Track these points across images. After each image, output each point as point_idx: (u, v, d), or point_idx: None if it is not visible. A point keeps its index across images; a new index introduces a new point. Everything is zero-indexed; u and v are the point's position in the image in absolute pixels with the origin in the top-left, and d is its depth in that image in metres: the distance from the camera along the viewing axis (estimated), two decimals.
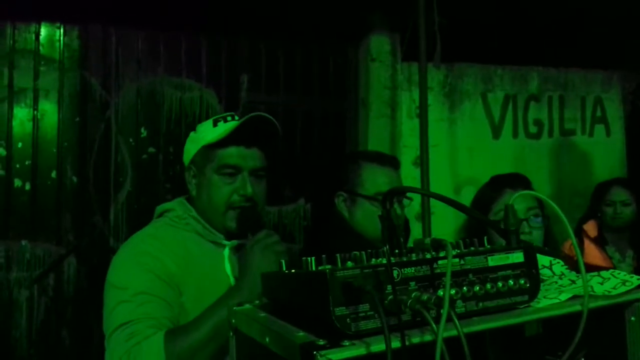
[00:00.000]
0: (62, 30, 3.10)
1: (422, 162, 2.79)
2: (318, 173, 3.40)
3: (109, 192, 3.13)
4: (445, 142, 3.57)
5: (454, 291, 0.92)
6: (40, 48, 3.06)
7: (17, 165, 3.00)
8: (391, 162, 2.12)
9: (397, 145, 3.48)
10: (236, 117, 1.75)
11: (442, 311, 0.83)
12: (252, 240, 1.62)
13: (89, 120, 3.11)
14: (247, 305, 1.15)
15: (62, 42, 3.10)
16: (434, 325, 0.81)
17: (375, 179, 2.04)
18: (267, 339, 0.98)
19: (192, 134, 1.80)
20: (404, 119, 3.50)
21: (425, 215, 2.77)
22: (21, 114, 3.02)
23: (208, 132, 1.74)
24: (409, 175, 3.31)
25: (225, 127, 1.70)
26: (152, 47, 3.22)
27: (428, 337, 0.87)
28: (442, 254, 0.96)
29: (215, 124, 1.74)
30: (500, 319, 0.95)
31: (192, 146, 1.78)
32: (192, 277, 1.63)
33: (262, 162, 1.75)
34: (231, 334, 1.15)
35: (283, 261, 1.08)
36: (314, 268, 0.96)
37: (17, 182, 2.99)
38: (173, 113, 3.24)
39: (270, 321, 1.01)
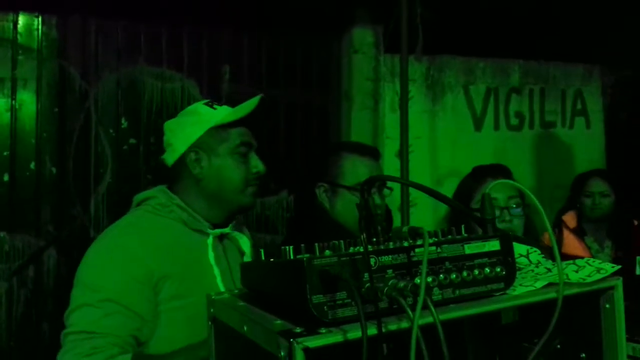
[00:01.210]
0: (40, 20, 3.06)
1: (402, 153, 2.81)
2: (301, 165, 3.40)
3: (89, 183, 3.10)
4: (428, 134, 3.59)
5: (430, 279, 0.93)
6: (18, 37, 3.02)
7: None
8: (372, 152, 2.13)
9: (380, 137, 3.49)
10: (216, 105, 1.76)
11: (418, 298, 0.84)
12: None
13: (68, 111, 3.08)
14: (226, 294, 1.14)
15: (40, 31, 3.06)
16: (409, 312, 0.82)
17: (355, 170, 2.04)
18: (245, 328, 0.98)
19: (188, 118, 1.75)
20: (386, 111, 3.51)
21: (404, 206, 2.79)
22: None
23: (213, 114, 1.72)
24: (392, 167, 3.32)
25: (236, 109, 1.71)
26: (132, 37, 3.19)
27: (405, 324, 0.87)
28: (419, 242, 0.96)
29: (212, 106, 1.74)
30: (476, 306, 0.96)
31: (194, 129, 1.71)
32: (175, 267, 1.57)
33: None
34: (210, 323, 1.14)
35: (262, 250, 1.08)
36: (292, 257, 0.96)
37: None
38: (154, 104, 3.22)
39: (248, 310, 1.01)
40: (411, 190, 3.02)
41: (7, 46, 3.00)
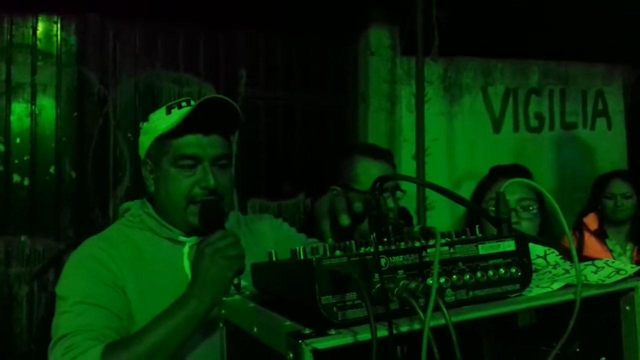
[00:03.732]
0: (59, 25, 3.09)
1: (419, 155, 2.78)
2: (317, 168, 3.39)
3: (107, 187, 3.13)
4: (445, 136, 3.56)
5: (443, 280, 0.91)
6: (38, 43, 3.06)
7: (16, 161, 3.00)
8: (385, 155, 2.10)
9: (397, 140, 3.47)
10: (192, 102, 1.57)
11: (429, 299, 0.82)
12: (204, 243, 1.45)
13: (87, 115, 3.11)
14: (237, 296, 1.13)
15: (59, 36, 3.09)
16: (421, 314, 0.80)
17: (369, 174, 2.01)
18: (255, 329, 0.97)
19: (144, 124, 1.65)
20: (403, 113, 3.49)
21: (420, 207, 2.76)
22: (19, 110, 3.02)
23: (161, 121, 1.57)
24: (409, 170, 3.29)
25: (179, 114, 1.53)
26: (149, 41, 3.21)
27: (416, 326, 0.85)
28: (431, 242, 0.95)
29: (168, 112, 1.58)
30: (490, 307, 0.93)
31: (145, 138, 1.63)
32: (142, 278, 1.51)
33: (224, 149, 1.59)
34: (221, 324, 1.14)
35: (273, 251, 1.07)
36: (302, 257, 0.95)
37: (16, 178, 2.99)
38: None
39: (258, 311, 1.00)
40: (428, 193, 2.99)
41: (26, 52, 3.04)
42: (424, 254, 0.92)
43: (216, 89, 3.28)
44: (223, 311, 1.12)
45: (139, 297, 1.50)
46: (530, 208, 2.07)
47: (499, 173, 2.21)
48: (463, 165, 3.56)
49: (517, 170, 2.21)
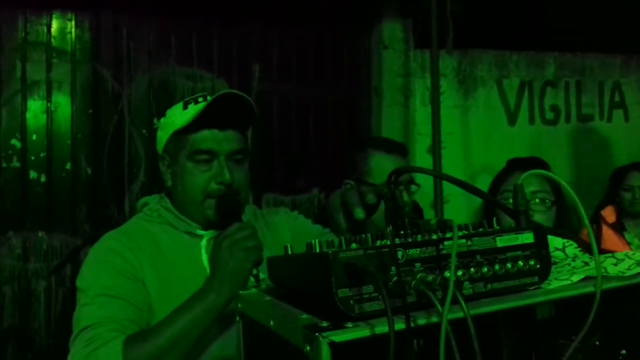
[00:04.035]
0: (73, 22, 3.11)
1: (434, 148, 2.77)
2: (331, 162, 3.39)
3: (123, 182, 3.15)
4: (460, 129, 3.54)
5: (460, 272, 0.90)
6: (52, 40, 3.08)
7: (32, 157, 3.03)
8: (399, 149, 2.10)
9: (411, 133, 3.45)
10: (208, 98, 1.57)
11: (447, 292, 0.81)
12: (221, 235, 1.46)
13: (102, 112, 3.13)
14: (253, 290, 1.13)
15: (73, 34, 3.11)
16: (438, 306, 0.79)
17: (382, 167, 2.01)
18: (271, 323, 0.97)
19: (161, 120, 1.66)
20: (417, 107, 3.48)
21: (437, 201, 2.75)
22: (35, 107, 3.05)
23: (178, 117, 1.58)
24: (424, 164, 3.29)
25: (195, 109, 1.54)
26: (163, 37, 3.23)
27: (434, 319, 0.85)
28: (448, 235, 0.94)
29: (185, 107, 1.60)
30: (509, 300, 0.92)
31: (162, 133, 1.64)
32: (161, 271, 1.53)
33: (240, 144, 1.60)
34: (237, 318, 1.14)
35: (288, 245, 1.07)
36: (318, 250, 0.95)
37: (33, 174, 3.02)
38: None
39: (274, 305, 1.00)
40: (444, 185, 2.98)
41: (41, 49, 3.06)
42: (441, 246, 0.91)
43: (230, 84, 3.29)
44: (239, 305, 1.13)
45: (158, 289, 1.51)
46: (546, 201, 2.05)
47: (516, 166, 2.19)
48: (478, 158, 3.53)
49: (534, 163, 2.19)
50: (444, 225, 0.94)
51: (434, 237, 0.93)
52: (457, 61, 3.56)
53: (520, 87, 3.72)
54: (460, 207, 3.23)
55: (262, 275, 1.39)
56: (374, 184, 1.99)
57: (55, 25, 3.09)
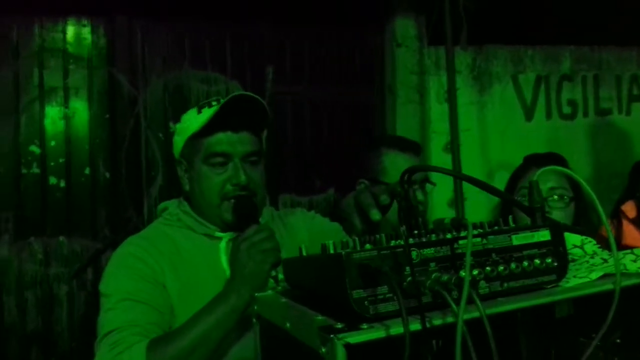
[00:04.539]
0: (89, 28, 3.14)
1: (453, 146, 2.74)
2: (346, 162, 3.37)
3: (141, 186, 3.17)
4: (476, 126, 3.50)
5: (476, 271, 0.90)
6: (68, 47, 3.11)
7: (52, 163, 3.06)
8: (413, 147, 2.09)
9: (427, 132, 3.43)
10: (221, 101, 1.60)
11: (462, 292, 0.81)
12: (240, 238, 1.49)
13: (119, 117, 3.15)
14: (269, 292, 1.14)
15: (89, 39, 3.14)
16: (454, 306, 0.79)
17: (396, 166, 2.00)
18: (287, 324, 0.98)
19: (177, 125, 1.70)
20: (432, 105, 3.45)
21: (458, 199, 2.72)
22: (52, 113, 3.08)
23: (192, 121, 1.61)
24: (440, 162, 3.25)
25: (208, 113, 1.57)
26: (176, 41, 3.24)
27: (450, 319, 0.84)
28: (463, 234, 0.93)
29: (199, 111, 1.62)
30: (526, 299, 0.92)
31: (178, 138, 1.68)
32: (181, 274, 1.56)
33: (254, 146, 1.63)
34: (254, 320, 1.15)
35: (302, 246, 1.07)
36: (332, 252, 0.95)
37: (52, 180, 3.05)
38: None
39: (290, 306, 1.01)
40: (463, 183, 2.95)
41: (58, 56, 3.09)
42: (455, 245, 0.90)
43: (243, 86, 3.29)
44: (256, 307, 1.13)
45: (179, 292, 1.54)
46: (564, 197, 2.02)
47: (533, 162, 2.16)
48: (495, 155, 3.49)
49: (551, 159, 2.17)
50: (458, 224, 0.94)
51: (448, 236, 0.93)
52: (471, 57, 3.52)
53: (536, 82, 3.67)
54: (479, 205, 3.19)
55: (280, 276, 1.40)
56: (387, 183, 1.98)
57: (70, 31, 3.12)
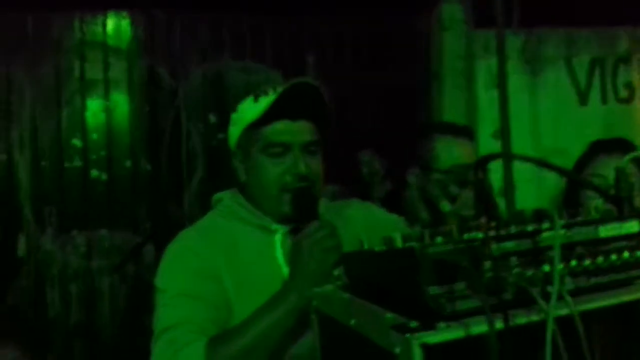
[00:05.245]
0: (128, 21, 3.14)
1: (504, 132, 2.65)
2: (391, 150, 3.30)
3: (182, 178, 3.16)
4: (527, 112, 3.40)
5: (561, 266, 0.83)
6: (108, 39, 3.11)
7: (94, 157, 3.07)
8: (466, 132, 1.99)
9: (475, 118, 3.34)
10: (278, 89, 1.53)
11: (551, 288, 0.74)
12: (300, 235, 1.44)
13: (159, 109, 3.15)
14: (329, 287, 1.09)
15: (128, 32, 3.14)
16: (543, 304, 0.72)
17: (450, 152, 1.91)
18: (352, 321, 0.93)
19: (233, 115, 1.64)
20: (480, 90, 3.36)
21: (508, 189, 2.63)
22: (93, 106, 3.09)
23: (249, 110, 1.55)
24: (489, 149, 3.14)
25: (266, 102, 1.50)
26: (215, 32, 3.21)
27: (535, 318, 0.78)
28: (544, 226, 0.86)
29: (256, 99, 1.56)
30: (614, 295, 0.86)
31: (234, 129, 1.62)
32: (237, 268, 1.52)
33: (314, 135, 1.56)
34: (313, 315, 1.11)
35: (364, 239, 1.01)
36: (399, 245, 0.89)
37: (94, 173, 3.06)
38: (240, 97, 3.22)
39: (354, 302, 0.96)
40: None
41: (98, 49, 3.10)
42: (538, 238, 0.83)
43: (284, 75, 3.24)
44: (314, 302, 1.09)
45: (234, 286, 1.50)
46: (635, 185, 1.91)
47: (601, 148, 2.04)
48: (548, 142, 3.39)
49: (620, 145, 2.04)
50: (541, 215, 0.86)
51: (530, 228, 0.86)
52: (521, 40, 3.42)
53: (591, 65, 3.55)
54: (529, 194, 3.09)
55: (336, 272, 1.35)
56: (440, 170, 1.90)
57: (110, 24, 3.12)
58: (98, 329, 3.05)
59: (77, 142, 3.05)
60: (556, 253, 0.76)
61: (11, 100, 3.02)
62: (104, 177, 3.08)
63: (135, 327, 3.05)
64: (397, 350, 0.77)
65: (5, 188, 3.00)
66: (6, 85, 3.01)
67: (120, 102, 3.12)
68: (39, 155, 3.02)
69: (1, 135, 3.01)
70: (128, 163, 3.11)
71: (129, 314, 3.06)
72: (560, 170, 0.89)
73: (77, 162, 3.05)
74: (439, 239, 0.86)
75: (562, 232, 0.84)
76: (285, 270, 1.50)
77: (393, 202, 2.03)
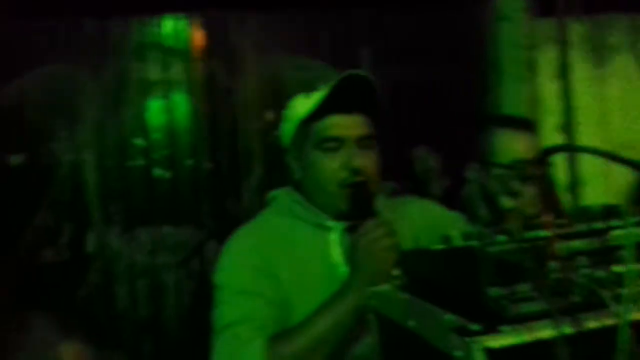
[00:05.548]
0: (185, 22, 3.19)
1: (568, 125, 2.54)
2: (449, 145, 3.23)
3: (240, 176, 3.19)
4: (593, 103, 3.26)
5: (634, 267, 0.78)
6: (166, 41, 3.18)
7: (156, 156, 3.14)
8: (526, 125, 1.91)
9: (537, 110, 3.22)
10: (331, 83, 1.50)
11: (623, 290, 0.70)
12: (359, 234, 1.42)
13: (217, 108, 3.19)
14: (387, 286, 1.07)
15: (186, 33, 3.19)
16: (616, 308, 0.68)
17: (511, 146, 1.84)
18: (410, 322, 0.91)
19: (287, 112, 1.62)
20: (543, 81, 3.24)
21: (574, 185, 2.53)
22: (154, 106, 3.16)
23: (301, 106, 1.55)
24: (553, 142, 3.03)
25: (319, 96, 1.48)
26: (269, 30, 3.22)
27: (607, 322, 0.74)
28: (614, 223, 0.81)
29: (308, 95, 1.56)
30: None
31: (287, 126, 1.61)
32: (294, 265, 1.50)
33: (368, 129, 1.53)
34: (371, 315, 1.10)
35: (421, 238, 0.99)
36: (460, 244, 0.86)
37: (157, 172, 3.14)
38: (295, 94, 3.23)
39: (413, 303, 0.93)
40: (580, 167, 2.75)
41: (157, 50, 3.17)
42: (607, 236, 0.79)
43: (338, 71, 3.22)
44: (372, 302, 1.07)
45: (291, 284, 1.49)
46: None
47: None
48: (617, 134, 3.23)
49: None
50: (610, 212, 0.82)
51: (598, 225, 0.81)
52: (585, 28, 3.28)
53: None
54: (597, 190, 2.97)
55: (395, 272, 1.32)
56: (501, 164, 1.84)
57: (168, 26, 3.18)
58: (164, 323, 3.12)
59: (139, 141, 3.13)
60: (629, 252, 0.71)
61: (76, 102, 3.14)
62: (167, 175, 3.15)
63: (200, 324, 3.10)
64: (459, 354, 0.74)
65: (73, 187, 3.12)
66: (72, 88, 3.13)
67: (180, 102, 3.18)
68: (103, 155, 3.13)
69: (68, 137, 3.13)
70: (189, 162, 3.17)
71: (194, 310, 3.12)
72: (630, 164, 0.84)
73: (140, 161, 3.13)
74: (501, 238, 0.83)
75: (634, 230, 0.79)
76: (341, 268, 1.49)
77: (451, 200, 1.99)
